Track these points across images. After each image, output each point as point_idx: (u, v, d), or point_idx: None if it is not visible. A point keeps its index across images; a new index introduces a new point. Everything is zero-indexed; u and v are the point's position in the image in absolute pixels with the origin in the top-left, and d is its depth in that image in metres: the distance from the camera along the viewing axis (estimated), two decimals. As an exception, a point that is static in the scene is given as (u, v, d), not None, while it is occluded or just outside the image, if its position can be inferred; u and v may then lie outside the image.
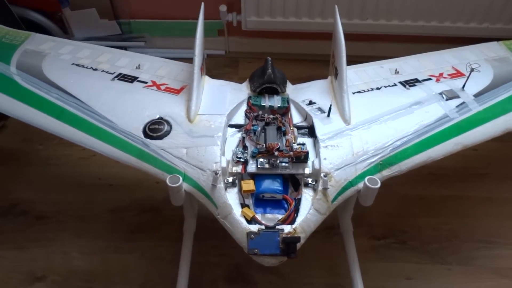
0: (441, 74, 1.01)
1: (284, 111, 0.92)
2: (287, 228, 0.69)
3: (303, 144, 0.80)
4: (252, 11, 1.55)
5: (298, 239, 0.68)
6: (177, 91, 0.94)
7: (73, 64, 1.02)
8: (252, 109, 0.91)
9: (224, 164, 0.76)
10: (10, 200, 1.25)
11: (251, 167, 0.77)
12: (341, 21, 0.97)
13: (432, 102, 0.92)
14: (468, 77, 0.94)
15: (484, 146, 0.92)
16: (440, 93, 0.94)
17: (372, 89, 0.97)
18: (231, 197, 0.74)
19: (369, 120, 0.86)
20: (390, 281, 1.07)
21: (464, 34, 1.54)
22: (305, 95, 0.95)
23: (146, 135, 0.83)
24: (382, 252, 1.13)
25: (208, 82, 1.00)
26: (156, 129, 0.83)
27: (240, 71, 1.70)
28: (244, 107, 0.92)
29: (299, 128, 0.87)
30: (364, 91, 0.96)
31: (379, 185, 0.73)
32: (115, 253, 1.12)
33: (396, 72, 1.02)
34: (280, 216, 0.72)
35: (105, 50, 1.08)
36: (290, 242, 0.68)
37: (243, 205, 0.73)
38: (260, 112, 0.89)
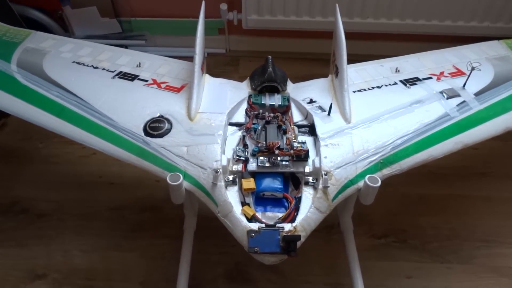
0: (441, 73, 1.01)
1: (284, 109, 0.92)
2: (287, 227, 0.69)
3: (304, 143, 0.79)
4: (253, 9, 1.55)
5: (298, 237, 0.68)
6: (177, 90, 0.94)
7: (73, 62, 1.02)
8: (253, 108, 0.91)
9: (224, 162, 0.76)
10: (10, 198, 1.25)
11: (252, 166, 0.77)
12: (341, 20, 0.97)
13: (432, 100, 0.92)
14: (468, 75, 0.94)
15: (485, 145, 0.92)
16: (441, 92, 0.94)
17: (373, 88, 0.97)
18: (232, 196, 0.73)
19: (369, 119, 0.86)
20: (390, 279, 1.07)
21: (465, 33, 1.53)
22: (306, 93, 0.95)
23: (147, 133, 0.83)
24: (382, 250, 1.13)
25: (209, 81, 1.00)
26: (156, 127, 0.83)
27: (240, 70, 1.70)
28: (244, 106, 0.92)
29: (299, 126, 0.87)
30: (365, 90, 0.96)
31: (379, 183, 0.73)
32: (115, 251, 1.12)
33: (397, 70, 1.02)
34: (280, 215, 0.72)
35: (106, 48, 1.08)
36: (290, 240, 0.68)
37: (243, 204, 0.73)
38: (261, 111, 0.89)
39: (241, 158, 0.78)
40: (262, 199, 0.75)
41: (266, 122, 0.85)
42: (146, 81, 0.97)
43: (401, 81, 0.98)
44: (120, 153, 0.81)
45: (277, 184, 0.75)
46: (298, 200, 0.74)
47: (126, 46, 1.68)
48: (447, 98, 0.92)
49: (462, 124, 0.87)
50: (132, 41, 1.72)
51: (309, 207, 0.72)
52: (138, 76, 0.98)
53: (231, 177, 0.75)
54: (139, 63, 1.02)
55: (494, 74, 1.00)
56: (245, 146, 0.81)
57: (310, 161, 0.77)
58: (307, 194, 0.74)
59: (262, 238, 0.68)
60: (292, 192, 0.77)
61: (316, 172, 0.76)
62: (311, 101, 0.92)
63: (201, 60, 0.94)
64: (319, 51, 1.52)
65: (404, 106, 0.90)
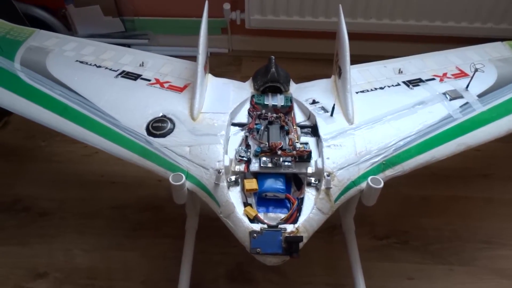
0: (444, 74, 1.01)
1: (287, 110, 0.92)
2: (289, 228, 0.69)
3: (306, 143, 0.79)
4: (256, 9, 1.55)
5: (300, 238, 0.68)
6: (180, 89, 0.94)
7: (76, 61, 1.02)
8: (255, 108, 0.91)
9: (227, 162, 0.76)
10: (12, 196, 1.25)
11: (254, 166, 0.77)
12: (345, 20, 0.96)
13: (435, 102, 0.91)
14: (472, 77, 0.94)
15: (487, 147, 0.92)
16: (444, 93, 0.93)
17: (376, 89, 0.97)
18: (234, 196, 0.73)
19: (372, 120, 0.86)
20: (392, 281, 1.07)
21: (468, 34, 1.53)
22: (309, 94, 0.95)
23: (149, 133, 0.83)
24: (384, 252, 1.13)
25: (211, 81, 1.00)
26: (159, 127, 0.83)
27: (243, 70, 1.70)
28: (247, 106, 0.92)
29: (302, 127, 0.87)
30: (368, 91, 0.96)
31: (382, 185, 0.73)
32: (117, 250, 1.12)
33: (400, 71, 1.02)
34: (282, 215, 0.72)
35: (109, 47, 1.08)
36: (292, 241, 0.68)
37: (245, 204, 0.73)
38: (263, 111, 0.89)
39: (244, 158, 0.77)
40: (264, 200, 0.75)
41: (268, 122, 0.85)
42: (149, 80, 0.97)
43: (404, 82, 0.98)
44: (123, 153, 0.81)
45: (279, 185, 0.75)
46: (301, 201, 0.74)
47: (129, 45, 1.68)
48: (450, 100, 0.92)
49: (465, 125, 0.87)
50: (135, 40, 1.73)
51: (312, 208, 0.72)
52: (141, 75, 0.98)
53: (233, 178, 0.75)
54: (142, 63, 1.02)
55: (497, 76, 0.99)
56: (248, 146, 0.80)
57: (312, 162, 0.77)
58: (309, 195, 0.74)
59: (264, 239, 0.68)
60: (295, 193, 0.77)
61: (319, 173, 0.76)
62: (314, 102, 0.92)
63: (204, 59, 0.94)
64: (322, 52, 1.52)
65: (407, 107, 0.90)
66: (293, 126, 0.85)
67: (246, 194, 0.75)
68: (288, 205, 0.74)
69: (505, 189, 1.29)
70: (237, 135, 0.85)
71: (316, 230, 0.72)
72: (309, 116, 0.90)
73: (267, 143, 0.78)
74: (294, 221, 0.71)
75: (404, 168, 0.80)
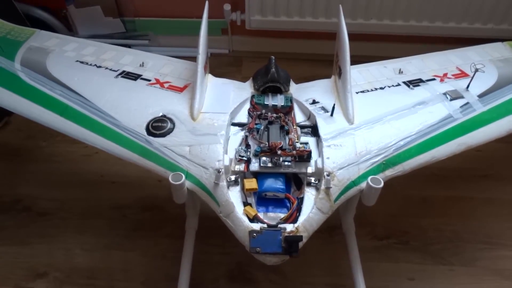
0: (445, 75, 1.01)
1: (287, 110, 0.92)
2: (289, 227, 0.69)
3: (306, 143, 0.79)
4: (256, 10, 1.55)
5: (300, 238, 0.68)
6: (180, 89, 0.94)
7: (77, 61, 1.02)
8: (256, 108, 0.91)
9: (226, 162, 0.76)
10: (13, 196, 1.25)
11: (254, 166, 0.77)
12: (345, 21, 0.96)
13: (436, 102, 0.91)
14: (472, 77, 0.93)
15: (488, 147, 0.91)
16: (444, 93, 0.93)
17: (376, 89, 0.97)
18: (234, 196, 0.73)
19: (372, 120, 0.86)
20: (392, 281, 1.07)
21: (469, 35, 1.53)
22: (309, 94, 0.94)
23: (149, 132, 0.83)
24: (384, 252, 1.13)
25: (212, 81, 1.00)
26: (159, 126, 0.83)
27: (243, 70, 1.70)
28: (247, 106, 0.92)
29: (302, 127, 0.87)
30: (368, 91, 0.96)
31: (382, 184, 0.73)
32: (117, 250, 1.12)
33: (400, 72, 1.02)
34: (282, 215, 0.72)
35: (109, 47, 1.08)
36: (292, 241, 0.68)
37: (245, 204, 0.73)
38: (263, 111, 0.89)
39: (244, 158, 0.77)
40: (264, 200, 0.75)
41: (268, 122, 0.85)
42: (149, 80, 0.97)
43: (404, 82, 0.98)
44: (123, 152, 0.81)
45: (279, 184, 0.75)
46: (300, 200, 0.74)
47: (129, 46, 1.68)
48: (451, 100, 0.92)
49: (466, 125, 0.87)
50: (136, 41, 1.73)
51: (311, 207, 0.72)
52: (141, 75, 0.98)
53: (233, 177, 0.75)
54: (142, 63, 1.02)
55: (497, 76, 0.99)
56: (248, 146, 0.80)
57: (312, 161, 0.77)
58: (309, 195, 0.74)
59: (264, 239, 0.68)
60: (294, 192, 0.77)
61: (319, 173, 0.76)
62: (314, 102, 0.92)
63: (204, 59, 0.94)
64: (322, 52, 1.52)
65: (407, 108, 0.90)
66: (293, 126, 0.85)
67: (246, 193, 0.75)
68: (288, 204, 0.74)
69: (505, 190, 1.29)
70: (237, 135, 0.85)
71: (316, 230, 0.72)
72: (309, 116, 0.90)
73: (267, 143, 0.78)
74: (294, 221, 0.71)
75: (405, 168, 0.80)
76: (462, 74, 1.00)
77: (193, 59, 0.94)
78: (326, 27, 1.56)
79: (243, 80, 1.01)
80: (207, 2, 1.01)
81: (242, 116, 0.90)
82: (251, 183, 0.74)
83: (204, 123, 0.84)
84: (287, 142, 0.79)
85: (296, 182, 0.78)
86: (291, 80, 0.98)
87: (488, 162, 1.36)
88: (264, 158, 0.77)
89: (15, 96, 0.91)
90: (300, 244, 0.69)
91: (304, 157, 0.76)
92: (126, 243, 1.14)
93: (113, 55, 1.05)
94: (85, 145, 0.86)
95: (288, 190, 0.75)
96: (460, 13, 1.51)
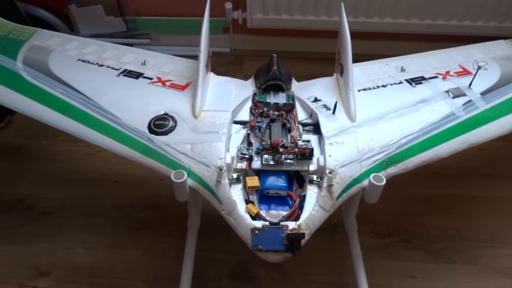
0: (447, 72, 1.00)
1: (289, 108, 0.91)
2: (291, 225, 0.69)
3: (308, 141, 0.79)
4: (258, 8, 1.55)
5: (302, 235, 0.68)
6: (182, 88, 0.94)
7: (79, 60, 1.02)
8: (257, 106, 0.91)
9: (228, 160, 0.76)
10: (15, 195, 1.25)
11: (256, 164, 0.77)
12: (347, 19, 0.96)
13: (438, 100, 0.91)
14: (475, 75, 0.93)
15: (490, 145, 0.91)
16: (447, 91, 0.93)
17: (378, 87, 0.96)
18: (236, 193, 0.73)
19: (374, 118, 0.86)
20: (394, 279, 1.07)
21: (471, 33, 1.52)
22: (311, 92, 0.94)
23: (151, 130, 0.83)
24: (386, 250, 1.13)
25: (213, 79, 1.00)
26: (161, 124, 0.83)
27: (245, 69, 1.70)
28: (249, 104, 0.92)
29: (304, 125, 0.87)
30: (370, 89, 0.96)
31: (384, 182, 0.73)
32: (119, 248, 1.13)
33: (402, 70, 1.01)
34: (284, 213, 0.72)
35: (111, 46, 1.08)
36: (294, 238, 0.68)
37: (247, 202, 0.73)
38: (265, 109, 0.89)
39: (246, 156, 0.77)
40: (266, 197, 0.75)
41: (270, 120, 0.85)
42: (151, 79, 0.97)
43: (406, 80, 0.98)
44: (125, 150, 0.82)
45: (281, 182, 0.75)
46: (302, 198, 0.74)
47: (131, 45, 1.67)
48: (453, 97, 0.91)
49: (468, 123, 0.86)
50: (137, 40, 1.73)
51: (314, 205, 0.72)
52: (143, 74, 0.98)
53: (235, 175, 0.75)
54: (144, 61, 1.02)
55: (500, 74, 0.99)
56: (250, 144, 0.80)
57: (314, 159, 0.77)
58: (311, 193, 0.74)
59: (266, 236, 0.68)
60: (297, 190, 0.77)
61: (321, 171, 0.76)
62: (316, 100, 0.91)
63: (206, 57, 0.94)
64: (324, 51, 1.52)
65: (409, 105, 0.89)
66: (295, 124, 0.85)
67: (248, 191, 0.75)
68: (290, 202, 0.74)
69: (508, 188, 1.28)
70: (239, 133, 0.85)
71: (318, 228, 0.72)
72: (311, 114, 0.89)
73: (269, 140, 0.78)
74: (296, 219, 0.71)
75: (407, 166, 0.80)
76: (464, 72, 1.00)
77: (195, 57, 0.94)
78: (328, 26, 1.55)
79: (245, 79, 1.01)
80: (208, 1, 1.01)
81: (244, 114, 0.90)
82: (253, 181, 0.74)
83: (206, 121, 0.84)
84: (289, 140, 0.79)
85: (298, 180, 0.78)
86: (292, 78, 0.98)
87: (491, 160, 1.36)
88: (266, 156, 0.77)
89: (17, 94, 0.91)
90: (302, 241, 0.68)
91: (306, 154, 0.76)
92: (128, 242, 1.14)
93: (114, 53, 1.05)
94: (87, 144, 0.86)
95: (290, 188, 0.75)
96: (462, 11, 1.50)
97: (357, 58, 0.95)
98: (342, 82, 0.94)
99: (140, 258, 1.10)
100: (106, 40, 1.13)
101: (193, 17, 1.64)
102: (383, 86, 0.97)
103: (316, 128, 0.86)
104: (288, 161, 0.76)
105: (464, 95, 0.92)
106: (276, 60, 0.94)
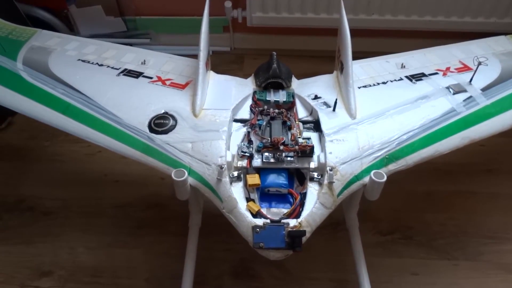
0: (448, 68, 1.00)
1: (289, 105, 0.91)
2: (292, 222, 0.69)
3: (309, 138, 0.79)
4: (257, 7, 1.55)
5: (303, 232, 0.68)
6: (182, 86, 0.94)
7: (79, 60, 1.02)
8: (257, 104, 0.91)
9: (229, 158, 0.76)
10: (17, 195, 1.25)
11: (257, 161, 0.77)
12: (347, 17, 0.96)
13: (439, 96, 0.91)
14: (475, 71, 0.93)
15: (491, 141, 0.91)
16: (447, 87, 0.93)
17: (378, 84, 0.96)
18: (236, 191, 0.73)
19: (375, 114, 0.86)
20: (396, 276, 1.07)
21: (472, 29, 1.52)
22: (311, 89, 0.94)
23: (152, 129, 0.83)
24: (388, 247, 1.13)
25: (213, 77, 1.00)
26: (161, 123, 0.83)
27: (245, 68, 1.70)
28: (249, 102, 0.92)
29: (304, 122, 0.87)
30: (370, 86, 0.96)
31: (385, 178, 0.73)
32: (121, 248, 1.13)
33: (403, 66, 1.01)
34: (285, 210, 0.72)
35: (111, 46, 1.08)
36: (295, 235, 0.68)
37: (248, 199, 0.73)
38: (266, 107, 0.89)
39: (246, 154, 0.77)
40: (267, 195, 0.75)
41: (271, 118, 0.85)
42: (151, 78, 0.97)
43: (406, 76, 0.98)
44: (125, 150, 0.82)
45: (282, 180, 0.75)
46: (303, 196, 0.74)
47: (131, 45, 1.66)
48: (454, 94, 0.91)
49: (469, 119, 0.86)
50: (137, 40, 1.73)
51: (314, 202, 0.72)
52: (142, 73, 0.98)
53: (236, 173, 0.75)
54: (144, 61, 1.02)
55: (501, 70, 0.99)
56: (250, 142, 0.80)
57: (315, 156, 0.77)
58: (312, 190, 0.74)
59: (267, 234, 0.68)
60: (297, 188, 0.77)
61: (321, 168, 0.75)
62: (316, 97, 0.91)
63: (206, 56, 0.94)
64: (324, 49, 1.51)
65: (410, 102, 0.89)
66: (295, 121, 0.85)
67: (249, 189, 0.75)
68: (291, 200, 0.74)
69: (509, 184, 1.28)
70: (239, 131, 0.85)
71: (319, 225, 0.72)
72: (312, 111, 0.89)
73: (269, 138, 0.78)
74: (297, 216, 0.71)
75: (408, 162, 0.80)
76: (465, 68, 1.00)
77: (195, 57, 0.94)
78: (327, 23, 1.55)
79: (245, 77, 1.01)
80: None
81: (244, 112, 0.90)
82: (254, 179, 0.74)
83: (206, 120, 0.84)
84: (290, 137, 0.79)
85: (299, 177, 0.78)
86: (293, 75, 0.98)
87: (492, 156, 1.35)
88: (266, 154, 0.77)
89: (17, 95, 0.91)
90: (304, 239, 0.68)
91: (306, 152, 0.76)
92: (130, 241, 1.14)
93: (114, 53, 1.05)
94: (88, 144, 0.86)
95: (291, 186, 0.75)
96: (463, 7, 1.50)
97: (357, 56, 0.95)
98: (342, 79, 0.93)
99: (142, 257, 1.10)
100: (106, 40, 1.13)
101: (193, 17, 1.64)
102: (384, 83, 0.97)
103: (316, 126, 0.86)
104: (288, 158, 0.76)
105: (465, 91, 0.92)
106: (276, 58, 0.94)
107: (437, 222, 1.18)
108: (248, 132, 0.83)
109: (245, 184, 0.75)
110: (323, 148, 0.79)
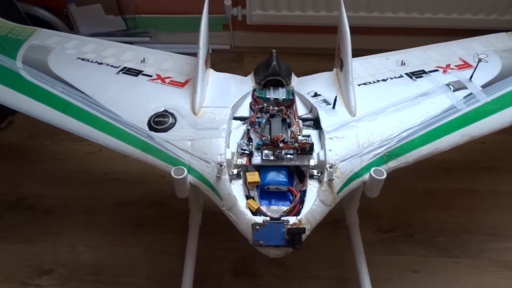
0: (448, 65, 1.00)
1: (289, 103, 0.91)
2: (292, 220, 0.69)
3: (308, 136, 0.79)
4: (257, 5, 1.54)
5: (303, 230, 0.68)
6: (181, 84, 0.94)
7: (78, 58, 1.02)
8: (257, 102, 0.91)
9: (228, 156, 0.76)
10: (17, 194, 1.26)
11: (256, 159, 0.76)
12: (346, 14, 0.96)
13: (439, 93, 0.90)
14: (475, 67, 0.93)
15: (492, 139, 0.91)
16: (447, 84, 0.92)
17: (378, 81, 0.96)
18: (236, 189, 0.73)
19: (375, 112, 0.86)
20: (397, 274, 1.07)
21: (472, 26, 1.52)
22: (310, 87, 0.94)
23: (151, 127, 0.83)
24: (388, 245, 1.12)
25: (213, 75, 1.00)
26: (161, 121, 0.83)
27: (245, 66, 1.70)
28: (248, 100, 0.92)
29: (304, 120, 0.87)
30: (370, 83, 0.95)
31: (385, 175, 0.73)
32: (121, 246, 1.13)
33: (403, 63, 1.01)
34: (285, 208, 0.72)
35: (110, 44, 1.08)
36: (295, 233, 0.68)
37: (248, 197, 0.73)
38: (265, 105, 0.89)
39: (246, 151, 0.77)
40: (266, 193, 0.75)
41: (270, 115, 0.85)
42: (150, 76, 0.97)
43: (406, 74, 0.98)
44: (125, 148, 0.81)
45: (281, 177, 0.75)
46: (303, 193, 0.73)
47: (131, 43, 1.67)
48: (454, 91, 0.91)
49: (469, 116, 0.86)
50: (137, 38, 1.73)
51: (314, 200, 0.72)
52: (142, 71, 0.98)
53: (235, 171, 0.75)
54: (143, 59, 1.02)
55: (501, 66, 0.98)
56: (250, 139, 0.80)
57: (314, 154, 0.77)
58: (312, 187, 0.74)
59: (267, 231, 0.68)
60: (297, 185, 0.77)
61: (321, 165, 0.75)
62: (316, 95, 0.91)
63: (205, 54, 0.94)
64: (324, 46, 1.51)
65: (410, 99, 0.89)
66: (295, 119, 0.84)
67: (249, 187, 0.75)
68: (291, 197, 0.74)
69: (510, 181, 1.28)
70: (239, 129, 0.84)
71: (319, 223, 0.72)
72: (311, 109, 0.89)
73: (269, 136, 0.78)
74: (297, 213, 0.71)
75: (408, 160, 0.79)
76: (465, 65, 1.00)
77: (195, 55, 0.94)
78: (327, 21, 1.55)
79: (245, 75, 1.00)
80: (207, -4, 1.01)
81: (244, 110, 0.90)
82: (254, 176, 0.74)
83: (205, 118, 0.84)
84: (289, 135, 0.79)
85: (298, 175, 0.78)
86: (292, 73, 0.98)
87: (493, 154, 1.35)
88: (266, 151, 0.77)
89: (17, 94, 0.92)
90: (303, 236, 0.68)
91: (306, 149, 0.76)
92: (130, 239, 1.14)
93: (114, 51, 1.05)
94: (88, 143, 0.86)
95: (290, 183, 0.75)
96: (463, 4, 1.49)
97: (357, 54, 0.95)
98: (342, 77, 0.93)
99: (142, 256, 1.11)
100: (105, 39, 1.13)
101: (192, 15, 1.64)
102: (383, 80, 0.96)
103: (316, 123, 0.86)
104: (288, 156, 0.76)
105: (465, 88, 0.92)
106: (275, 55, 0.94)
107: (437, 220, 1.18)
108: (248, 130, 0.83)
109: (245, 182, 0.74)
110: (322, 146, 0.79)
